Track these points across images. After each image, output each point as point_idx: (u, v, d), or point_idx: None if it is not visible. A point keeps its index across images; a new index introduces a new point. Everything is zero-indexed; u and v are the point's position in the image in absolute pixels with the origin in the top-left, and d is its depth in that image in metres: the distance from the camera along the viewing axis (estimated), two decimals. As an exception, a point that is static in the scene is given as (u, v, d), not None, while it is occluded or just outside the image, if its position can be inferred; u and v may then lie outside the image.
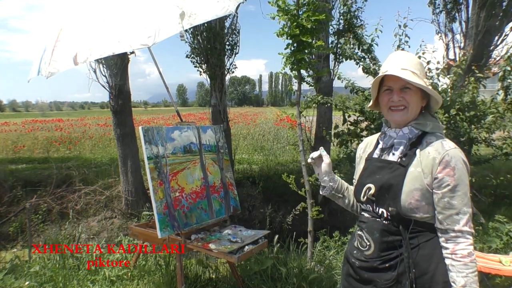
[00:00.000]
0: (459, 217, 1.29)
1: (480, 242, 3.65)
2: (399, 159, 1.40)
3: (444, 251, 1.32)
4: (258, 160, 9.47)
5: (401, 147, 1.42)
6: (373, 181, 1.45)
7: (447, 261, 1.31)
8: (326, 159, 1.60)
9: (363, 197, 1.47)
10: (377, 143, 1.57)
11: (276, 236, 3.72)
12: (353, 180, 1.65)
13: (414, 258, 1.33)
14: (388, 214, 1.38)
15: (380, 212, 1.41)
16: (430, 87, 1.40)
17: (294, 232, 4.04)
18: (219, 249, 2.54)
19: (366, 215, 1.49)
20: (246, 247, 2.63)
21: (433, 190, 1.32)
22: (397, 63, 1.39)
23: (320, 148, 1.65)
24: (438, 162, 1.30)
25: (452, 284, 1.28)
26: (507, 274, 2.80)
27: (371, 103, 1.56)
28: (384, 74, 1.39)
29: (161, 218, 2.51)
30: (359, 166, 1.60)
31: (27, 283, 3.19)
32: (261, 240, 2.81)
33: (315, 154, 1.62)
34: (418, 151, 1.37)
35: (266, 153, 10.34)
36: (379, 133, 1.61)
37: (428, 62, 3.66)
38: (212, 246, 2.59)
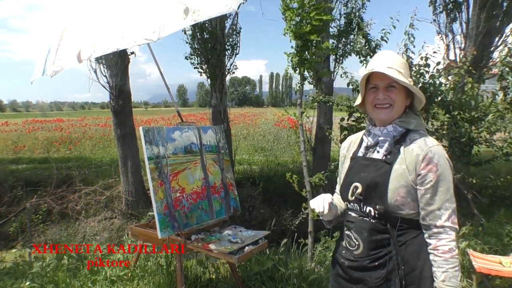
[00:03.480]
0: (440, 212, 1.31)
1: (481, 243, 3.65)
2: (384, 157, 1.42)
3: (428, 247, 1.35)
4: (258, 160, 9.48)
5: (386, 145, 1.44)
6: (359, 179, 1.45)
7: (431, 256, 1.33)
8: (330, 211, 1.49)
9: (351, 196, 1.47)
10: (361, 141, 1.57)
11: (284, 241, 3.70)
12: (338, 179, 1.65)
13: (403, 256, 1.35)
14: (376, 212, 1.39)
15: (367, 210, 1.42)
16: (416, 87, 1.43)
17: (296, 233, 4.04)
18: (219, 249, 2.54)
19: (353, 214, 1.49)
20: (246, 247, 2.63)
21: (417, 187, 1.34)
22: (383, 62, 1.41)
23: (322, 203, 1.44)
24: (422, 159, 1.32)
25: (434, 278, 1.31)
26: (507, 275, 2.80)
27: (358, 101, 1.56)
28: (370, 71, 1.41)
29: (162, 219, 2.51)
30: (344, 165, 1.61)
31: (27, 283, 3.19)
32: (261, 241, 2.81)
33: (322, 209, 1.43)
34: (402, 148, 1.39)
35: (267, 154, 10.35)
36: (362, 132, 1.62)
37: (438, 63, 3.64)
38: (212, 246, 2.59)
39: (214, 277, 3.32)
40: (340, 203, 1.63)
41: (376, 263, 1.38)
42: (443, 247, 1.30)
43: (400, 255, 1.34)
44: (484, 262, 2.91)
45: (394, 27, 3.73)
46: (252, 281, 3.13)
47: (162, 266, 3.39)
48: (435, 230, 1.32)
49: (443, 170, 1.31)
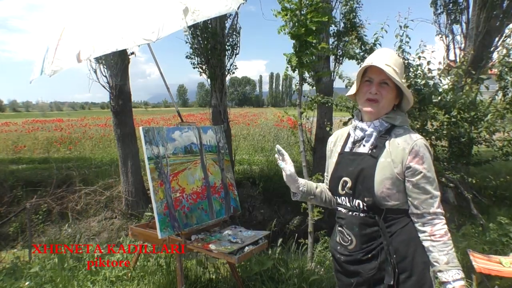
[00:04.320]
0: (433, 200, 1.38)
1: (481, 243, 3.65)
2: (370, 151, 1.48)
3: (422, 235, 1.40)
4: (258, 160, 9.47)
5: (372, 139, 1.49)
6: (347, 174, 1.51)
7: (426, 243, 1.38)
8: (287, 171, 1.60)
9: (342, 190, 1.52)
10: (348, 136, 1.63)
11: (280, 240, 3.71)
12: (325, 174, 1.71)
13: (393, 245, 1.41)
14: (364, 205, 1.44)
15: (356, 204, 1.47)
16: (407, 88, 1.48)
17: (296, 234, 4.04)
18: (219, 249, 2.54)
19: (343, 210, 1.55)
20: (246, 247, 2.63)
21: (406, 178, 1.40)
22: (382, 59, 1.46)
23: (280, 160, 1.62)
24: (408, 152, 1.39)
25: (435, 263, 1.35)
26: (507, 275, 2.80)
27: (352, 91, 1.58)
28: (369, 64, 1.45)
29: (161, 219, 2.51)
30: (331, 160, 1.65)
31: (27, 283, 3.19)
32: (261, 241, 2.81)
33: (280, 151, 1.62)
34: (387, 142, 1.45)
35: (267, 154, 10.34)
36: (348, 127, 1.68)
37: (428, 63, 3.66)
38: (212, 246, 2.59)
39: (214, 277, 3.32)
40: (325, 191, 1.69)
41: (369, 255, 1.44)
42: (439, 231, 1.36)
43: (391, 245, 1.40)
44: (484, 262, 2.91)
45: (386, 31, 3.74)
46: (252, 281, 3.13)
47: (162, 266, 3.39)
48: (429, 217, 1.38)
49: (429, 161, 1.39)
